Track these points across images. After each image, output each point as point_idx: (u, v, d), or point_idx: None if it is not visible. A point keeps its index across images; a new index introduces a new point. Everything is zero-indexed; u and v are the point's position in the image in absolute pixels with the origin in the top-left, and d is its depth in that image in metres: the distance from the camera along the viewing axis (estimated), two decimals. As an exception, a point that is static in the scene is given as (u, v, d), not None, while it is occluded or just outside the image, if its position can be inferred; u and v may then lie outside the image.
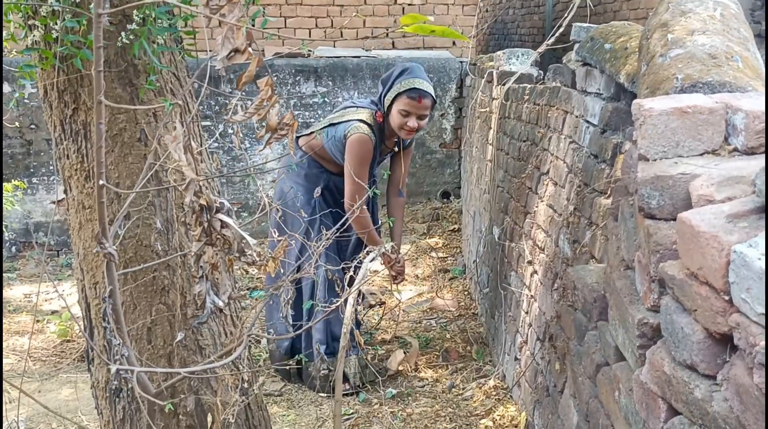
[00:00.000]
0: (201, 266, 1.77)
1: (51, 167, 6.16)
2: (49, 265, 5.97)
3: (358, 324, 3.82)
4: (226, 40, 1.49)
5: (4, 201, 4.19)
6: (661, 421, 1.29)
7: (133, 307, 2.39)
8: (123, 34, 2.17)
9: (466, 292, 4.84)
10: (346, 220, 2.58)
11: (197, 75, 1.82)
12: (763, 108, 1.33)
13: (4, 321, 4.45)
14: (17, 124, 5.59)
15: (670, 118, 1.36)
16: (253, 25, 2.08)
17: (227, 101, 6.26)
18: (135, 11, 2.13)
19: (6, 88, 5.91)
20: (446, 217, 6.47)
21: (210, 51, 1.60)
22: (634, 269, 1.50)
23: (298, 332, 3.10)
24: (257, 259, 1.79)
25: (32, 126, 6.05)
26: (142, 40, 2.13)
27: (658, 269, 1.26)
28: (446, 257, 5.71)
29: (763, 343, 0.96)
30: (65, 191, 2.53)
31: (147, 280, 2.38)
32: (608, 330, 1.67)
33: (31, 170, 6.12)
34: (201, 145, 2.43)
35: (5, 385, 3.40)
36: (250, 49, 1.52)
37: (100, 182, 1.61)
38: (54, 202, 6.21)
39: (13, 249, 6.14)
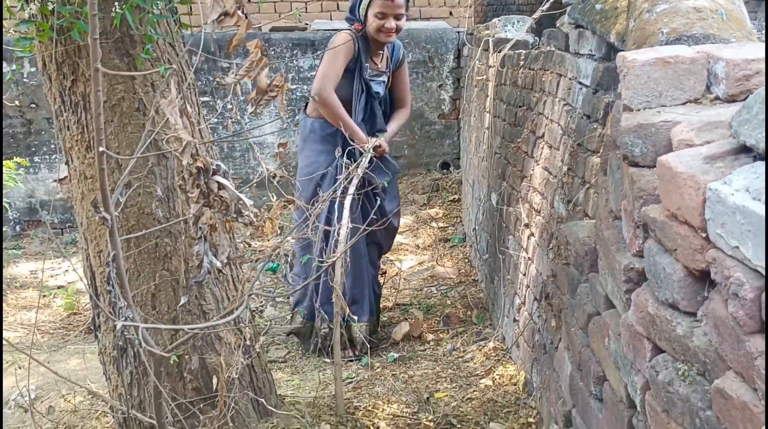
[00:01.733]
0: (200, 227, 1.81)
1: (52, 146, 6.19)
2: (53, 243, 6.03)
3: (376, 286, 3.85)
4: (216, 4, 1.52)
5: (6, 178, 4.24)
6: (646, 361, 1.34)
7: (137, 274, 2.44)
8: (116, 4, 2.20)
9: (466, 260, 4.89)
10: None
11: (192, 43, 1.86)
12: (743, 56, 1.36)
13: (11, 297, 4.53)
14: (17, 102, 5.61)
15: (653, 68, 1.40)
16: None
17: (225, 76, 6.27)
18: (129, -20, 2.16)
19: (5, 67, 5.92)
20: (446, 187, 6.51)
21: (204, 21, 1.64)
22: (621, 219, 1.55)
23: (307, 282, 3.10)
24: (254, 219, 1.84)
25: (32, 105, 6.08)
26: (132, 6, 2.14)
27: (641, 213, 1.30)
28: (446, 227, 5.75)
29: (737, 274, 1.00)
30: (67, 163, 2.58)
31: (150, 247, 2.43)
32: (598, 280, 1.72)
33: (33, 149, 6.15)
34: (198, 114, 2.46)
35: (16, 356, 3.48)
36: (239, 12, 1.55)
37: (100, 149, 1.65)
38: (57, 181, 6.25)
39: (17, 228, 6.20)
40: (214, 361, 2.46)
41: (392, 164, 3.79)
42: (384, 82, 3.73)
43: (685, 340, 1.20)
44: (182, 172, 2.46)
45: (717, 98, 1.39)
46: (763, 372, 0.97)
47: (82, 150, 2.47)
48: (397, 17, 3.52)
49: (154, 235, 2.40)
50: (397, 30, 3.55)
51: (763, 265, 0.94)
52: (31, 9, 2.37)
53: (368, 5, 3.52)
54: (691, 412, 1.18)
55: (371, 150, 3.34)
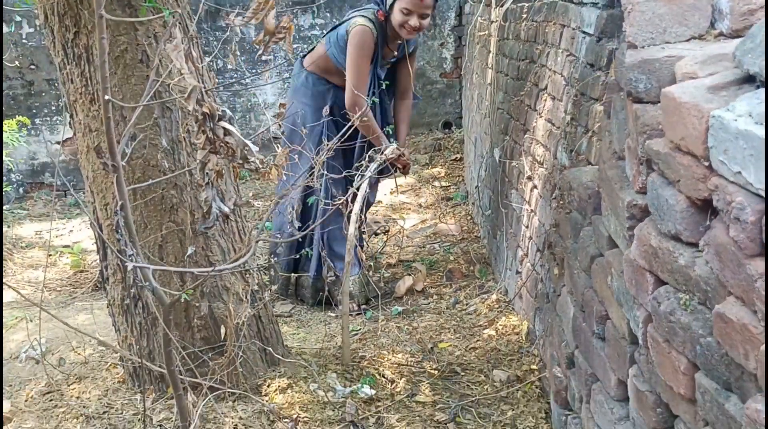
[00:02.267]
0: (207, 173, 1.83)
1: (53, 107, 6.18)
2: (57, 205, 6.06)
3: (360, 242, 3.89)
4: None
5: (7, 139, 4.25)
6: (648, 294, 1.37)
7: (143, 225, 2.47)
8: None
9: (468, 217, 4.92)
10: (351, 127, 2.61)
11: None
12: (748, -9, 1.36)
13: (17, 256, 4.57)
14: (17, 63, 5.59)
15: (657, 4, 1.40)
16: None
17: (227, 36, 6.23)
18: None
19: (4, 28, 5.88)
20: (448, 147, 6.51)
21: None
22: (625, 158, 1.56)
23: (301, 234, 3.11)
24: (260, 166, 1.85)
25: (32, 66, 6.05)
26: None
27: (645, 148, 1.32)
28: (449, 186, 5.77)
29: (739, 199, 1.02)
30: (71, 115, 2.58)
31: (156, 198, 2.45)
32: (601, 222, 1.74)
33: (34, 111, 6.14)
34: (202, 62, 2.46)
35: (24, 311, 3.52)
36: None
37: (106, 97, 1.66)
38: (59, 143, 6.26)
39: (21, 190, 6.22)
40: (222, 311, 2.49)
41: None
42: (388, 66, 3.73)
43: (687, 270, 1.22)
44: (186, 123, 2.47)
45: (721, 34, 1.40)
46: (763, 294, 0.99)
47: (86, 103, 2.47)
48: (423, 16, 3.48)
49: (160, 186, 2.42)
50: (420, 29, 3.51)
51: (764, 189, 0.96)
52: (31, -41, 2.36)
53: None
54: (692, 340, 1.21)
55: (387, 155, 3.29)
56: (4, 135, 4.19)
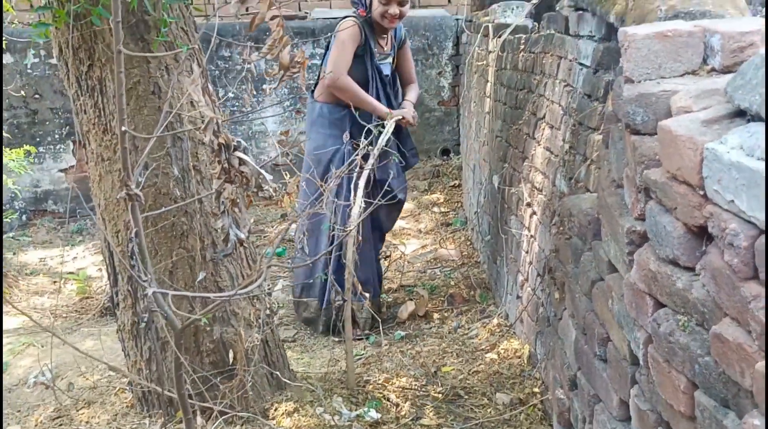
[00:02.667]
0: (222, 202, 1.90)
1: (57, 136, 6.26)
2: (59, 232, 6.11)
3: (380, 273, 3.98)
4: (240, -15, 1.60)
5: (16, 166, 4.32)
6: (648, 316, 1.43)
7: (155, 251, 2.53)
8: (135, -11, 2.27)
9: (468, 242, 4.98)
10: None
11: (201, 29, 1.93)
12: (738, 29, 1.45)
13: (22, 283, 4.61)
14: (23, 93, 5.67)
15: (653, 41, 1.48)
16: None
17: (227, 65, 6.34)
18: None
19: (8, 58, 5.99)
20: (446, 173, 6.59)
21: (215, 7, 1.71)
22: (623, 187, 1.63)
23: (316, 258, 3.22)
24: (274, 194, 1.92)
25: (36, 96, 6.14)
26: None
27: (643, 177, 1.39)
28: (447, 212, 5.85)
29: (733, 225, 1.09)
30: (84, 145, 2.66)
31: (167, 225, 2.52)
32: (601, 247, 1.81)
33: (37, 139, 6.21)
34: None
35: (31, 338, 3.57)
36: (261, -7, 1.63)
37: (123, 128, 1.74)
38: (62, 171, 6.33)
39: (24, 217, 6.27)
40: (230, 336, 2.55)
41: (411, 143, 3.93)
42: (390, 63, 3.81)
43: (685, 293, 1.29)
44: (197, 153, 2.55)
45: (713, 69, 1.48)
46: (757, 314, 1.06)
47: (99, 133, 2.55)
48: (401, 3, 3.60)
49: (171, 214, 2.48)
50: (401, 16, 3.63)
51: (756, 216, 1.03)
52: (47, -5, 2.44)
53: None
54: (690, 359, 1.27)
55: (393, 122, 3.41)
56: (12, 163, 4.27)
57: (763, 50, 1.34)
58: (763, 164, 1.01)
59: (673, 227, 1.29)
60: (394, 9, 3.58)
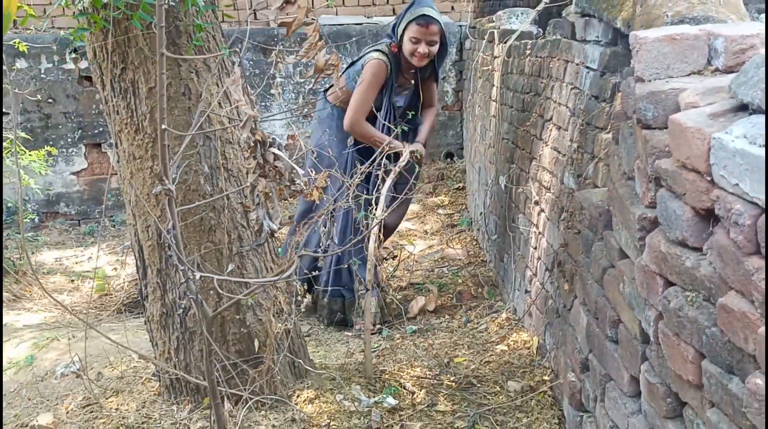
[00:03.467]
0: (257, 195, 2.03)
1: (69, 139, 6.39)
2: (71, 234, 6.24)
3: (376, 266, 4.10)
4: (279, -7, 1.73)
5: (36, 167, 4.45)
6: (659, 295, 1.57)
7: (184, 245, 2.65)
8: (168, -5, 2.41)
9: (474, 242, 5.12)
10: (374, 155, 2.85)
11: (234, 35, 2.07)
12: (740, 33, 1.59)
13: (41, 282, 4.73)
14: (39, 97, 5.81)
15: (662, 44, 1.62)
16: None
17: (254, 70, 6.46)
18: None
19: (23, 63, 6.13)
20: (451, 176, 6.74)
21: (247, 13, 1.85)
22: (634, 179, 1.77)
23: (325, 254, 3.36)
24: (305, 188, 2.05)
25: (50, 100, 6.28)
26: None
27: (654, 167, 1.53)
28: (453, 213, 5.99)
29: (737, 206, 1.23)
30: (116, 145, 2.79)
31: (195, 221, 2.64)
32: (612, 235, 1.94)
33: (50, 143, 6.33)
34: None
35: (54, 332, 3.69)
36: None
37: (162, 126, 1.87)
38: (75, 173, 6.46)
39: (36, 219, 6.40)
40: (256, 325, 2.68)
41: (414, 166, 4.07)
42: (407, 94, 3.97)
43: (693, 271, 1.42)
44: (224, 151, 2.68)
45: (717, 70, 1.62)
46: (759, 285, 1.19)
47: (131, 132, 2.68)
48: (430, 43, 3.76)
49: (200, 209, 2.61)
50: (429, 55, 3.79)
51: (758, 197, 1.17)
52: (83, 2, 2.58)
53: (405, 28, 3.75)
54: (698, 331, 1.40)
55: (408, 155, 3.54)
56: (34, 164, 4.40)
57: (763, 51, 1.48)
58: (764, 151, 1.15)
59: (682, 211, 1.43)
60: (423, 48, 3.74)
